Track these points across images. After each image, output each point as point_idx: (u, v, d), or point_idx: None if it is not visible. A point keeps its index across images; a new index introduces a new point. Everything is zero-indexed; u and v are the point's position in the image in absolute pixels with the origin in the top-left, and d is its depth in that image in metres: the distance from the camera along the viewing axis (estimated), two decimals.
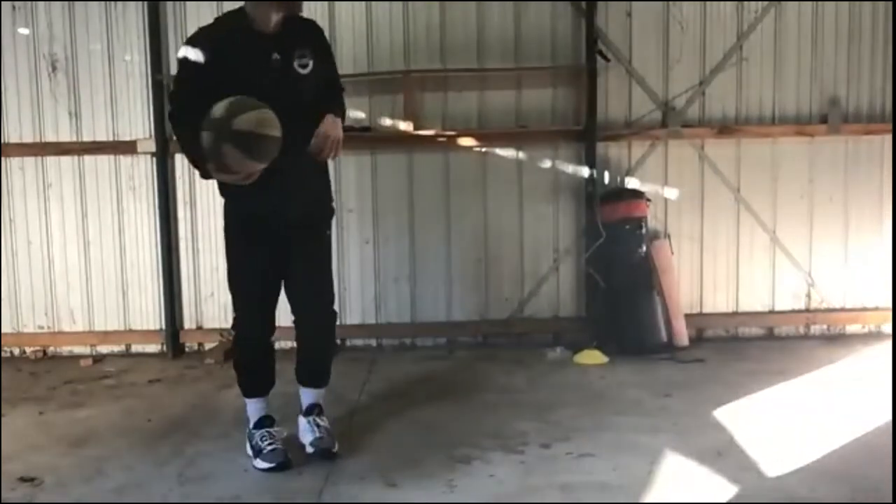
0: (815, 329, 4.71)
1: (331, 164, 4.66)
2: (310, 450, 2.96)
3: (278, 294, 2.99)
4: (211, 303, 4.67)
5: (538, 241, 4.66)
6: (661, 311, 4.39)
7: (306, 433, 3.02)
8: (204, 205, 4.61)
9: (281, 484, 2.73)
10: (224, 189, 2.85)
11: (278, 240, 2.86)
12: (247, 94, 2.53)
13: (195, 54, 2.66)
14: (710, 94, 4.59)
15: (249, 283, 2.93)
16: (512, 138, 4.56)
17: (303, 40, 2.78)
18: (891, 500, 2.50)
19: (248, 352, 3.06)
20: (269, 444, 2.90)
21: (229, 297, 4.65)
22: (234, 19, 2.75)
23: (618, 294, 4.39)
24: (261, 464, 2.88)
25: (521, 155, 4.60)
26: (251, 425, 3.01)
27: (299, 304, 3.01)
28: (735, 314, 4.69)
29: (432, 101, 4.57)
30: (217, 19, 2.88)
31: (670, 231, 4.62)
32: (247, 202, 2.79)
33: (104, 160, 4.59)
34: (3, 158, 4.58)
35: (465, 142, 4.56)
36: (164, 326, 4.63)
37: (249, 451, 2.97)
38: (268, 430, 2.95)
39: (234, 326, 3.07)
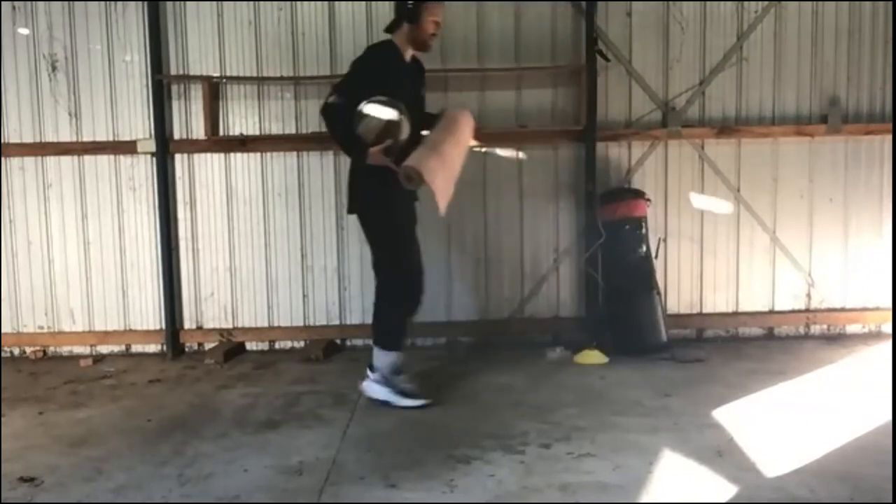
0: (815, 329, 4.72)
1: (332, 163, 4.71)
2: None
3: None
4: (211, 303, 4.67)
5: (538, 241, 4.66)
6: (660, 309, 4.39)
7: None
8: (204, 205, 4.62)
9: (280, 484, 2.73)
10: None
11: None
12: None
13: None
14: (710, 94, 4.60)
15: None
16: (512, 138, 4.56)
17: (419, 73, 3.75)
18: (891, 500, 2.50)
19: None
20: (412, 386, 3.58)
21: (229, 296, 4.71)
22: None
23: (618, 294, 4.39)
24: (414, 402, 3.51)
25: (521, 155, 4.61)
26: (391, 372, 3.56)
27: None
28: (735, 314, 4.69)
29: (432, 101, 4.55)
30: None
31: (670, 231, 4.63)
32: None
33: (104, 160, 4.59)
34: (3, 158, 4.58)
35: None
36: (164, 326, 4.63)
37: (390, 396, 3.52)
38: (403, 375, 3.61)
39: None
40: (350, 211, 3.65)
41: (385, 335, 3.60)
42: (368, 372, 3.68)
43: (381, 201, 3.52)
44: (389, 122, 3.34)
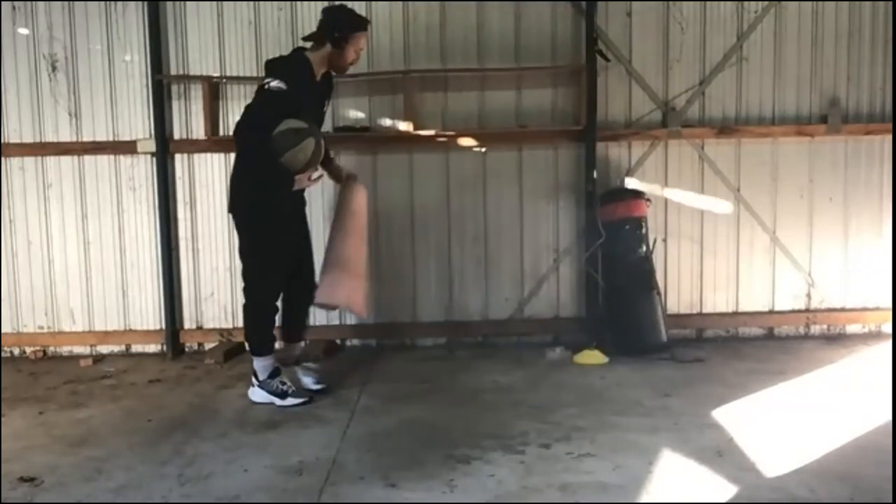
0: (815, 329, 4.72)
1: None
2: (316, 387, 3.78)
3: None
4: (211, 303, 4.67)
5: (538, 241, 4.66)
6: (660, 309, 4.39)
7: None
8: (204, 205, 4.62)
9: (280, 484, 2.73)
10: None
11: None
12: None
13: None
14: (710, 94, 4.60)
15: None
16: (512, 138, 4.57)
17: (328, 89, 3.78)
18: (891, 500, 2.50)
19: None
20: (290, 386, 3.65)
21: (229, 296, 4.71)
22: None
23: (618, 294, 4.39)
24: (292, 401, 3.59)
25: (521, 155, 4.61)
26: (266, 375, 3.64)
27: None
28: (735, 314, 4.69)
29: (432, 101, 4.57)
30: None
31: (670, 231, 4.63)
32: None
33: (104, 160, 4.60)
34: (3, 158, 4.58)
35: (465, 142, 4.56)
36: (164, 326, 4.64)
37: (269, 398, 3.62)
38: (281, 376, 3.68)
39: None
40: (230, 210, 3.68)
41: (255, 342, 3.69)
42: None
43: (265, 211, 3.55)
44: (314, 154, 3.45)
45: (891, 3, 4.57)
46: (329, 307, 3.59)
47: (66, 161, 4.59)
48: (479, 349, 4.60)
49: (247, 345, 3.82)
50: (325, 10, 3.63)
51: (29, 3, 4.50)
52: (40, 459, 3.00)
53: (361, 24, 3.57)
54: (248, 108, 3.59)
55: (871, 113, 4.63)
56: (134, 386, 4.04)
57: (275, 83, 3.41)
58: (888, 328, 4.67)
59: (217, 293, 4.67)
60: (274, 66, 3.51)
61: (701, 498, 2.55)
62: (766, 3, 4.55)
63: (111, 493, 2.69)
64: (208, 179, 4.62)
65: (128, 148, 4.56)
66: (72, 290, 4.66)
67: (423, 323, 4.69)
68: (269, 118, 3.40)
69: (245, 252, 3.63)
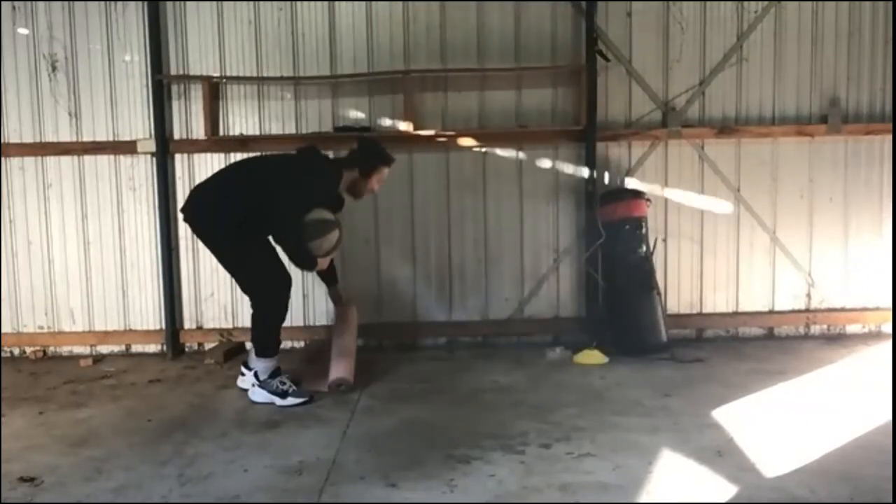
0: (815, 329, 4.72)
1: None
2: None
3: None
4: (211, 303, 4.67)
5: (538, 241, 4.66)
6: (660, 309, 4.39)
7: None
8: None
9: (280, 484, 2.73)
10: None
11: None
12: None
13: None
14: (710, 94, 4.60)
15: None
16: (512, 138, 4.57)
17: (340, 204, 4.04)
18: (891, 500, 2.50)
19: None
20: (290, 386, 3.68)
21: (229, 297, 4.70)
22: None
23: (618, 294, 4.39)
24: (292, 400, 3.61)
25: (521, 155, 4.61)
26: (267, 375, 3.69)
27: None
28: (735, 314, 4.70)
29: (432, 101, 4.57)
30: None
31: (670, 231, 4.63)
32: None
33: (104, 160, 4.60)
34: (3, 158, 4.58)
35: (465, 142, 4.56)
36: (164, 326, 4.64)
37: (269, 398, 3.63)
38: (281, 376, 3.72)
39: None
40: (188, 220, 3.75)
41: (264, 345, 3.76)
42: (244, 369, 3.86)
43: (248, 234, 3.67)
44: (336, 244, 3.81)
45: (891, 3, 4.57)
46: (340, 382, 3.79)
47: (66, 161, 4.59)
48: (479, 349, 4.61)
49: (250, 345, 3.84)
50: (360, 140, 3.95)
51: (29, 3, 4.50)
52: (40, 459, 3.00)
53: (389, 160, 3.87)
54: (299, 182, 3.64)
55: (871, 113, 4.63)
56: (134, 386, 4.04)
57: (329, 176, 3.73)
58: (888, 328, 4.67)
59: (217, 293, 4.67)
60: (325, 160, 3.86)
61: (701, 498, 2.55)
62: (766, 3, 4.55)
63: (111, 493, 2.69)
64: None
65: (128, 148, 4.56)
66: (72, 290, 4.66)
67: (423, 323, 4.69)
68: (315, 202, 3.70)
69: (254, 269, 3.73)
